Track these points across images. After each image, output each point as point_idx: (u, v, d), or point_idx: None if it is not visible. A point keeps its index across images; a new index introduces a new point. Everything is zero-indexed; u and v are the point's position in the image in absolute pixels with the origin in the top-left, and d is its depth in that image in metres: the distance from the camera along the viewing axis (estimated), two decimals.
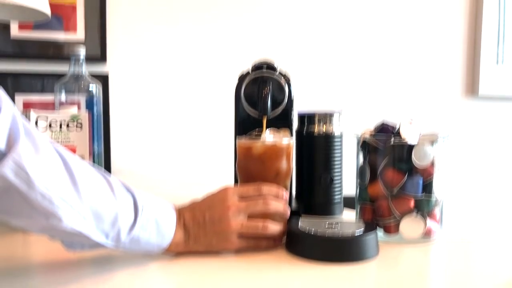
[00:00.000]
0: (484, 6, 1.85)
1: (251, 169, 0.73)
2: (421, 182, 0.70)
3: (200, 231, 0.64)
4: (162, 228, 0.61)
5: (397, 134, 0.72)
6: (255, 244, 0.66)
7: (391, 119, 0.77)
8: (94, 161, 0.92)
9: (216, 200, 0.66)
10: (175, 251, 0.64)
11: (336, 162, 0.88)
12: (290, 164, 0.74)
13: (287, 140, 0.73)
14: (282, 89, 0.81)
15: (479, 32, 1.87)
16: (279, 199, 0.68)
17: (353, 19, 1.70)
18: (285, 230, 0.68)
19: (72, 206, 0.51)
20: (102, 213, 0.54)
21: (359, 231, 0.65)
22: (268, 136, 0.74)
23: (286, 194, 0.70)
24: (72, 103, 0.92)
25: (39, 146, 0.50)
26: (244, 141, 0.74)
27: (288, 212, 0.70)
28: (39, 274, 0.60)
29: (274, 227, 0.66)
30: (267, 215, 0.67)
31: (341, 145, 0.89)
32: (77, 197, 0.51)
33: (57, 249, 0.59)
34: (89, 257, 0.63)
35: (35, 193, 0.48)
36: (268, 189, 0.68)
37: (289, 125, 0.83)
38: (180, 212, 0.65)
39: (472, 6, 1.88)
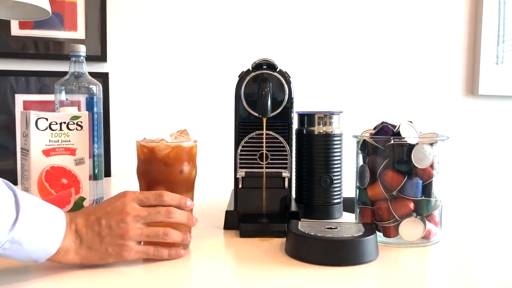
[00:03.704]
0: (484, 6, 1.85)
1: (153, 172, 0.69)
2: (420, 184, 0.70)
3: (95, 238, 0.59)
4: (49, 231, 0.55)
5: (397, 134, 0.72)
6: (155, 252, 0.62)
7: (391, 119, 0.77)
8: (94, 162, 0.92)
9: (114, 207, 0.61)
10: (65, 260, 0.58)
11: (336, 163, 0.88)
12: (194, 167, 0.72)
13: (191, 142, 0.71)
14: (282, 88, 0.81)
15: (479, 32, 1.87)
16: (182, 209, 0.65)
17: (353, 19, 1.70)
18: (187, 238, 0.66)
19: None
20: None
21: (358, 233, 0.65)
22: (170, 138, 0.72)
23: (190, 203, 0.66)
24: (72, 103, 0.92)
25: None
26: (145, 143, 0.71)
27: (194, 222, 0.67)
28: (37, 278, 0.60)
29: (176, 235, 0.63)
30: (169, 224, 0.64)
31: (341, 145, 0.89)
32: None
33: None
34: None
35: None
36: (170, 197, 0.64)
37: (288, 125, 0.82)
38: (72, 218, 0.60)
39: (472, 6, 1.87)
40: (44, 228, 0.55)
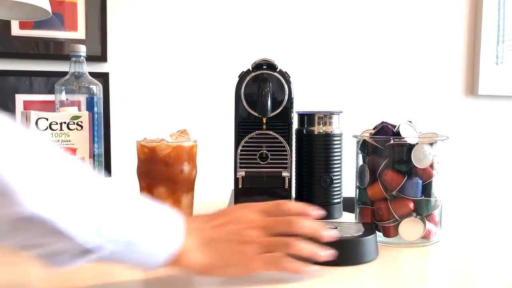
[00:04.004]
0: (484, 6, 1.85)
1: (154, 172, 0.69)
2: (420, 183, 0.70)
3: (218, 243, 0.52)
4: (168, 229, 0.48)
5: (397, 134, 0.72)
6: (284, 262, 0.54)
7: (391, 119, 0.77)
8: (94, 162, 0.92)
9: (235, 216, 0.55)
10: (186, 262, 0.50)
11: (335, 163, 0.88)
12: (194, 167, 0.72)
13: (191, 142, 0.71)
14: (282, 88, 0.81)
15: (479, 32, 1.87)
16: (307, 218, 0.57)
17: (353, 19, 1.70)
18: (318, 253, 0.55)
19: (38, 183, 0.38)
20: (83, 198, 0.41)
21: (358, 233, 0.65)
22: (171, 138, 0.71)
23: (316, 211, 0.58)
24: (72, 103, 0.92)
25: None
26: (145, 143, 0.71)
27: (327, 235, 0.56)
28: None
29: (305, 247, 0.54)
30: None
31: (341, 145, 0.89)
32: (45, 174, 0.39)
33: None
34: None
35: None
36: (289, 206, 0.58)
37: (288, 125, 0.83)
38: (189, 220, 0.52)
39: (472, 6, 1.87)
40: (161, 225, 0.48)
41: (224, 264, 0.52)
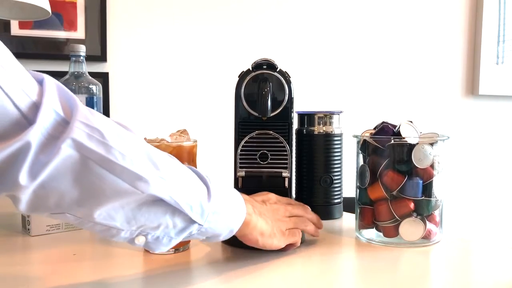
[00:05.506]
0: (484, 6, 1.85)
1: None
2: (421, 184, 0.70)
3: (265, 213, 0.62)
4: (234, 198, 0.56)
5: (398, 134, 0.72)
6: (299, 235, 0.67)
7: (391, 119, 0.77)
8: None
9: (267, 198, 0.69)
10: (251, 227, 0.58)
11: (336, 163, 0.88)
12: (194, 167, 0.72)
13: (192, 142, 0.71)
14: (282, 88, 0.81)
15: (479, 32, 1.87)
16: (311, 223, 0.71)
17: (353, 19, 1.70)
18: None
19: (153, 167, 0.45)
20: (179, 179, 0.48)
21: None
22: (171, 138, 0.71)
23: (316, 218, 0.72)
24: None
25: (99, 114, 0.44)
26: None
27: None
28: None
29: (310, 226, 0.70)
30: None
31: (341, 145, 0.89)
32: (153, 159, 0.46)
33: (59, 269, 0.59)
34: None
35: (114, 154, 0.42)
36: (296, 203, 0.72)
37: (288, 125, 0.82)
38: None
39: (472, 6, 1.87)
40: (229, 194, 0.56)
41: (272, 234, 0.61)
